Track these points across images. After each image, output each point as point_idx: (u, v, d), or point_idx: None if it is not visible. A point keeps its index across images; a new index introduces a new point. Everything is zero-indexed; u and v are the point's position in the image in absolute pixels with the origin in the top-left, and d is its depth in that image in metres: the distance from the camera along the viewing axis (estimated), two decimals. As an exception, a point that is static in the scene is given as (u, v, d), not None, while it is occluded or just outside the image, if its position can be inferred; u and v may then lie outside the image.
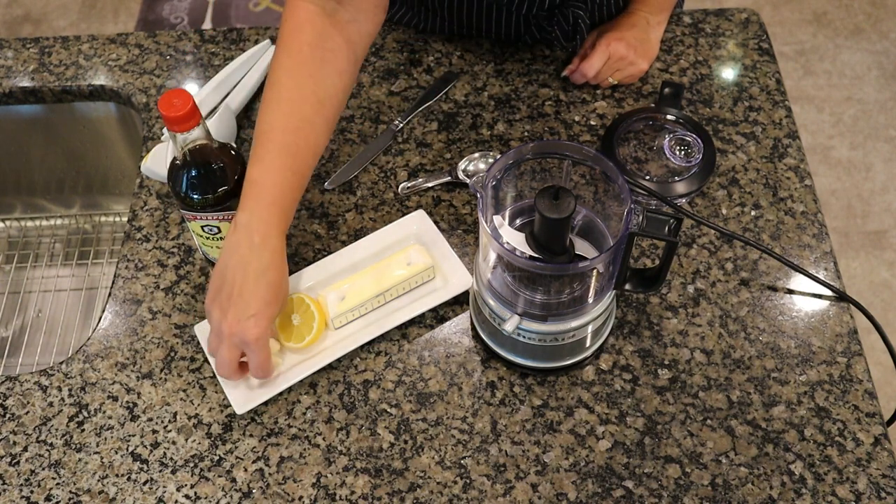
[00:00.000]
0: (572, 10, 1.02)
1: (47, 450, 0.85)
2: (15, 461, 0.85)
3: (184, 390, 0.88)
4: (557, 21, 1.02)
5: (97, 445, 0.85)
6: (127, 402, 0.88)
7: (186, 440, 0.85)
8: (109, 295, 0.95)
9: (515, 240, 0.76)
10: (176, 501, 0.82)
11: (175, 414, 0.87)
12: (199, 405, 0.87)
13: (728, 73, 1.10)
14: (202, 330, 0.89)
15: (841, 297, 0.92)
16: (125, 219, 1.30)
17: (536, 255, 0.76)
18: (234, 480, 0.83)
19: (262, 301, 0.79)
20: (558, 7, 1.02)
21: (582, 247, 0.80)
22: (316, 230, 0.99)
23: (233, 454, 0.84)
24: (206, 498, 0.82)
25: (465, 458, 0.83)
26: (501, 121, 1.06)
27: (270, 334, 0.81)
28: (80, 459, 0.85)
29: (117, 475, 0.84)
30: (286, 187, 0.81)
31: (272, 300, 0.80)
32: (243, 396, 0.85)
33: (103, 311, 0.94)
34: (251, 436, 0.85)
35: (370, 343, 0.90)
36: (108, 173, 1.27)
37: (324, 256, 0.95)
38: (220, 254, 0.83)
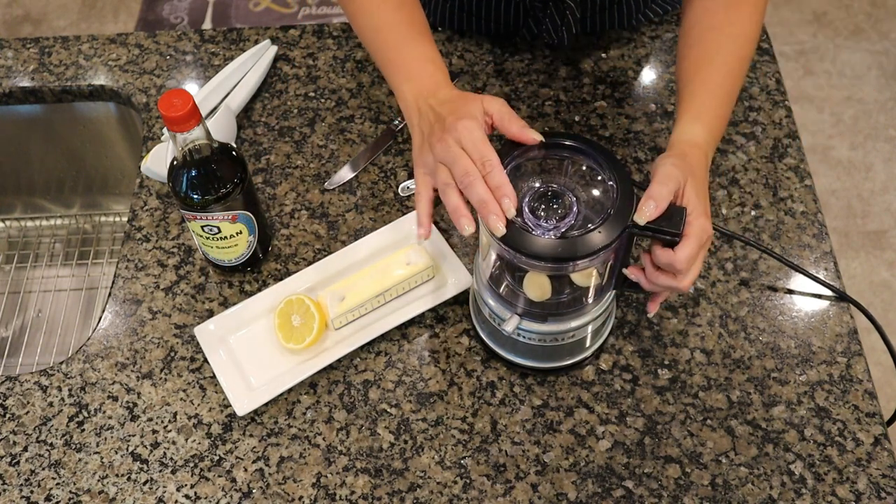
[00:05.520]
0: (565, 1, 1.01)
1: (47, 450, 0.85)
2: (15, 461, 0.85)
3: (184, 390, 0.88)
4: (550, 14, 1.02)
5: (97, 445, 0.85)
6: (127, 402, 0.88)
7: (186, 440, 0.85)
8: (109, 295, 0.95)
9: None
10: (176, 501, 0.82)
11: (175, 414, 0.87)
12: (199, 405, 0.87)
13: (728, 73, 1.10)
14: (202, 331, 0.89)
15: (841, 297, 0.92)
16: (125, 219, 1.30)
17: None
18: (234, 480, 0.83)
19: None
20: None
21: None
22: (316, 230, 0.98)
23: (233, 454, 0.84)
24: (206, 498, 0.82)
25: (465, 458, 0.83)
26: (501, 121, 1.06)
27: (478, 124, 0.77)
28: (80, 459, 0.85)
29: (117, 475, 0.84)
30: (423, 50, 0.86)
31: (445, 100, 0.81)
32: (244, 397, 0.85)
33: (103, 311, 0.94)
34: (251, 436, 0.85)
35: (370, 343, 0.90)
36: (108, 173, 1.27)
37: (324, 256, 0.95)
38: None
